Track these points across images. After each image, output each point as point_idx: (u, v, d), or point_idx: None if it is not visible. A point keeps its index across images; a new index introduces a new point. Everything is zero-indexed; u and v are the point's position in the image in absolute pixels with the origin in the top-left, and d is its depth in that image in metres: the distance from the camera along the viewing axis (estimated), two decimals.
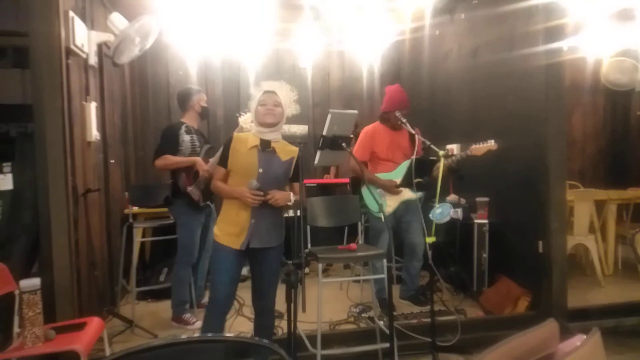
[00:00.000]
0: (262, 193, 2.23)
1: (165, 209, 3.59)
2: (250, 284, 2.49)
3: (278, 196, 2.26)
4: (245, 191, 2.23)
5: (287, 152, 2.41)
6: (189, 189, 3.20)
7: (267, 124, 2.33)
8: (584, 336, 0.63)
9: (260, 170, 2.30)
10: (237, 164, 2.34)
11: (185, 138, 3.26)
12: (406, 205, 3.48)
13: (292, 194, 2.34)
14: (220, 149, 2.44)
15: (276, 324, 3.28)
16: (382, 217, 3.36)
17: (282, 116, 2.38)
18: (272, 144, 2.36)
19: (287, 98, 2.43)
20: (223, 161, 2.38)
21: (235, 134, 2.43)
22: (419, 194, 3.45)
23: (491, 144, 3.23)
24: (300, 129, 5.53)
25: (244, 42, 5.16)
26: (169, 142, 3.22)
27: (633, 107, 5.96)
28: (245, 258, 2.39)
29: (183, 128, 3.29)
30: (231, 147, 2.36)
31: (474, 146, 3.26)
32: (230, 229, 2.32)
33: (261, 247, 2.34)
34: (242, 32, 5.02)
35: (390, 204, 3.46)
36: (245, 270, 4.62)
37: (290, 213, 4.46)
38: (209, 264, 3.38)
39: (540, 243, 3.30)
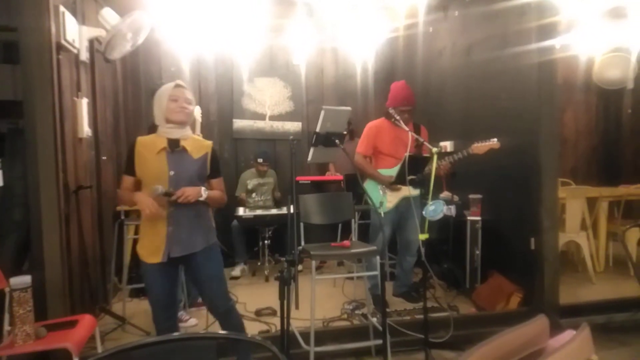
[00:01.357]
0: (166, 198, 2.10)
1: None
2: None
3: (188, 192, 2.10)
4: (143, 201, 2.06)
5: (200, 148, 2.26)
6: None
7: (177, 122, 2.19)
8: (574, 332, 0.63)
9: (172, 172, 2.15)
10: (145, 171, 2.17)
11: None
12: (407, 202, 3.50)
13: (203, 188, 2.19)
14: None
15: (269, 320, 3.29)
16: (382, 212, 3.39)
17: (191, 115, 2.28)
18: (182, 143, 2.20)
19: (193, 100, 2.29)
20: (129, 169, 2.20)
21: (138, 137, 2.24)
22: (418, 191, 3.46)
23: (494, 142, 3.15)
24: (294, 126, 5.52)
25: (237, 39, 5.15)
26: None
27: (625, 105, 6.01)
28: (173, 269, 2.26)
29: None
30: (135, 152, 2.18)
31: (475, 144, 3.19)
32: (149, 242, 2.18)
33: (185, 255, 2.19)
34: (236, 28, 4.99)
35: (391, 199, 3.49)
36: (238, 270, 4.64)
37: (284, 210, 4.49)
38: None
39: (533, 240, 3.32)
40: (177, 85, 2.23)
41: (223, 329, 2.39)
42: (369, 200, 3.41)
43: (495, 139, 3.16)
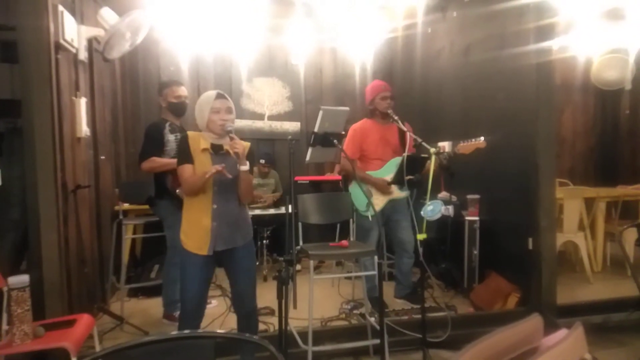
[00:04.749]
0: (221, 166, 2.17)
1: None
2: (230, 288, 2.46)
3: (240, 146, 2.19)
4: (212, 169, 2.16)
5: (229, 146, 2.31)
6: (179, 190, 3.16)
7: (219, 134, 2.28)
8: (568, 330, 0.64)
9: None
10: (194, 165, 2.28)
11: (170, 137, 3.17)
12: (393, 203, 3.49)
13: (248, 162, 2.25)
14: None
15: (267, 320, 3.30)
16: (369, 216, 3.36)
17: (234, 122, 2.31)
18: (225, 146, 2.30)
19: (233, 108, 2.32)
20: (187, 157, 2.28)
21: (189, 132, 2.36)
22: (407, 192, 3.45)
23: (479, 141, 3.09)
24: (293, 126, 5.53)
25: (236, 38, 5.15)
26: (154, 142, 3.13)
27: (622, 106, 6.03)
28: (214, 264, 2.35)
29: (167, 126, 3.19)
30: (190, 144, 2.28)
31: (461, 144, 3.15)
32: (195, 236, 2.28)
33: (228, 249, 2.30)
34: (235, 28, 5.00)
35: (377, 202, 3.45)
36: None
37: (282, 210, 4.49)
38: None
39: (530, 240, 3.32)
40: (219, 96, 2.27)
41: (241, 328, 2.45)
42: (355, 205, 3.39)
43: (482, 138, 3.09)
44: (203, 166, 2.25)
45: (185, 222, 2.33)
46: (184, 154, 2.29)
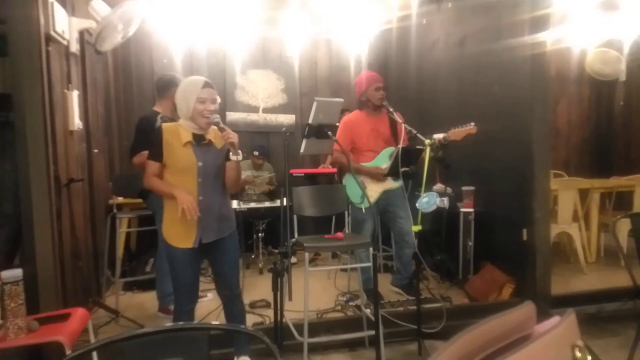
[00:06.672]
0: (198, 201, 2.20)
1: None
2: (212, 275, 2.49)
3: (234, 135, 2.14)
4: (184, 198, 2.12)
5: (221, 137, 2.27)
6: None
7: (202, 125, 2.22)
8: (560, 317, 0.64)
9: (200, 164, 2.22)
10: (173, 160, 2.21)
11: None
12: (388, 194, 3.47)
13: (240, 151, 2.23)
14: None
15: (263, 312, 3.30)
16: (363, 208, 3.35)
17: (217, 111, 2.25)
18: (206, 136, 2.26)
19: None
20: (157, 155, 2.21)
21: (163, 124, 2.27)
22: (400, 182, 3.44)
23: (470, 127, 3.06)
24: (287, 119, 5.51)
25: (230, 30, 5.11)
26: (146, 136, 3.04)
27: (617, 97, 6.05)
28: (201, 255, 2.34)
29: (159, 119, 3.14)
30: (164, 139, 2.20)
31: (452, 130, 3.10)
32: (179, 228, 2.24)
33: (214, 240, 2.31)
34: (228, 20, 4.96)
35: (371, 194, 3.43)
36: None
37: (278, 203, 4.48)
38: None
39: (525, 231, 3.34)
40: (205, 85, 2.19)
41: (228, 314, 2.46)
42: (349, 197, 3.37)
43: (472, 124, 3.07)
44: (185, 159, 2.21)
45: (168, 214, 2.28)
46: (155, 149, 2.22)
